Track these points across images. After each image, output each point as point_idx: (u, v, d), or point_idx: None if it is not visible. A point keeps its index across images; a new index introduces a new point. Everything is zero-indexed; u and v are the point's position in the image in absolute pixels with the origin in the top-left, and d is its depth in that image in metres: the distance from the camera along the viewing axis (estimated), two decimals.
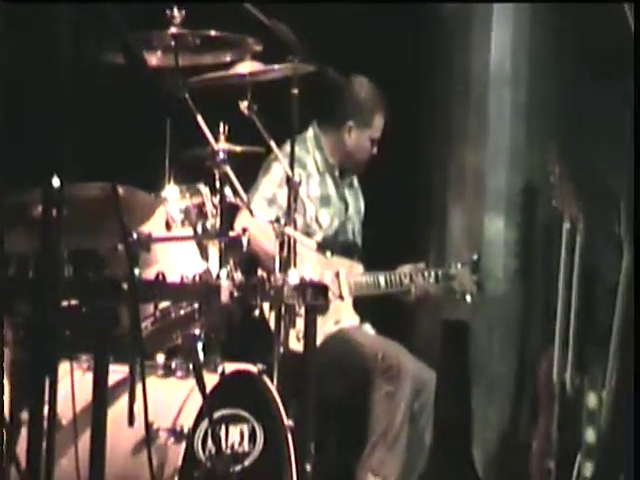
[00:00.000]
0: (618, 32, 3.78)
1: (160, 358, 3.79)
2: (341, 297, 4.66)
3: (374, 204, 5.05)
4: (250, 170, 4.46)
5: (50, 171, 3.44)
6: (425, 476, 4.73)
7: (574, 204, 4.86)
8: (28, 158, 3.61)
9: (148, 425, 3.41)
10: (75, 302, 3.50)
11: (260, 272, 3.83)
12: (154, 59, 3.91)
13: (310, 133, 4.83)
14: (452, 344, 5.15)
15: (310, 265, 4.13)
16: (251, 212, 3.85)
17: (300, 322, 3.99)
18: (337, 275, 4.67)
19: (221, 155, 3.77)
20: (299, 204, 4.06)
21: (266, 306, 4.12)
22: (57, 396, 3.23)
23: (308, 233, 4.59)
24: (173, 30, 3.79)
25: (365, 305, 4.80)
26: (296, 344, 4.12)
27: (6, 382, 3.64)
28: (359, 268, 4.79)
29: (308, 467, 3.83)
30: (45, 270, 3.55)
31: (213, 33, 3.82)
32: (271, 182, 4.63)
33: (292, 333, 4.06)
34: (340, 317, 4.70)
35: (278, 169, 4.52)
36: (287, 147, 4.15)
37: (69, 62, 3.27)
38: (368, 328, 4.82)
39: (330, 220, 4.81)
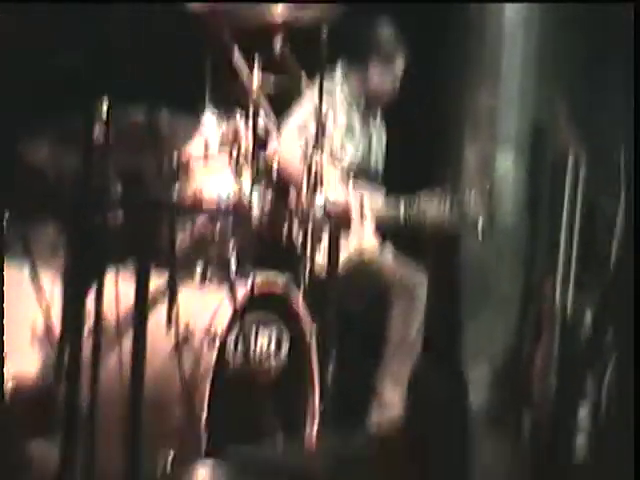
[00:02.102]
0: None
1: (197, 269, 3.74)
2: (363, 220, 4.54)
3: (396, 136, 4.92)
4: (281, 102, 4.35)
5: (99, 95, 3.40)
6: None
7: (578, 142, 4.77)
8: (78, 83, 3.56)
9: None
10: (121, 217, 3.47)
11: (289, 194, 3.77)
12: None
13: (338, 70, 4.69)
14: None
15: (335, 190, 4.07)
16: (281, 138, 3.79)
17: (325, 242, 3.94)
18: (361, 200, 4.56)
19: (256, 85, 3.71)
20: (327, 133, 3.99)
21: (294, 226, 4.04)
22: (103, 298, 3.20)
23: (335, 159, 4.51)
24: None
25: (385, 229, 4.70)
26: (321, 263, 4.04)
27: (59, 290, 3.62)
28: (380, 194, 4.67)
29: (329, 370, 3.79)
30: (94, 186, 3.53)
31: None
32: (301, 111, 4.46)
33: (317, 253, 3.99)
34: (362, 239, 4.57)
35: (308, 100, 4.40)
36: (317, 81, 4.05)
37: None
38: (388, 250, 4.70)
39: (354, 149, 4.69)
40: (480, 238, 4.68)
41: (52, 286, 3.58)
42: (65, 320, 3.62)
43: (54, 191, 3.62)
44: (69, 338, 3.54)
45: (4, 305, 3.33)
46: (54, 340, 3.56)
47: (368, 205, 4.57)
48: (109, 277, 3.36)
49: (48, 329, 3.56)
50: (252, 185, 3.61)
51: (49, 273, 3.59)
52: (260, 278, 3.68)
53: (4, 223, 3.51)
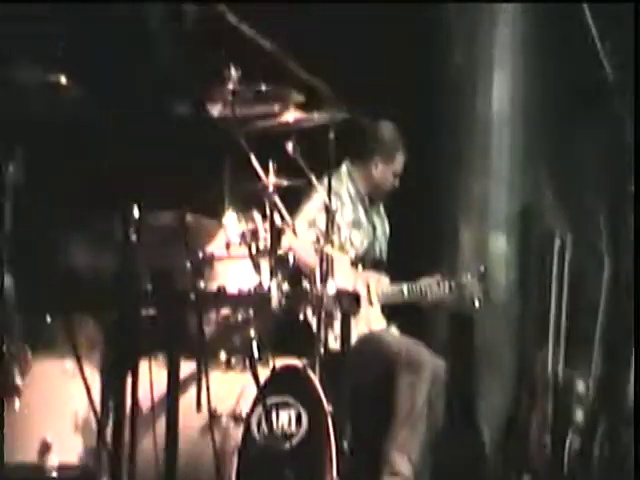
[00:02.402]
0: (597, 72, 3.80)
1: (222, 356, 3.84)
2: (371, 304, 4.69)
3: (397, 227, 5.08)
4: (293, 200, 4.49)
5: (131, 202, 3.54)
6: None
7: (563, 224, 4.89)
8: (111, 190, 3.70)
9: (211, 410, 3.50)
10: (153, 311, 3.59)
11: (304, 284, 3.89)
12: (215, 110, 3.94)
13: (344, 169, 4.88)
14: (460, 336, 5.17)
15: (345, 278, 4.18)
16: (295, 234, 3.91)
17: (337, 325, 4.05)
18: (368, 286, 4.70)
19: (271, 188, 3.84)
20: (335, 227, 4.11)
21: (309, 312, 4.15)
22: (138, 386, 3.31)
23: (342, 251, 4.64)
24: (231, 86, 3.83)
25: (391, 311, 4.83)
26: (334, 344, 4.15)
27: (98, 377, 3.73)
28: (386, 280, 4.81)
29: (346, 445, 3.87)
30: (129, 285, 3.65)
31: (264, 88, 3.86)
32: (311, 208, 4.66)
33: (331, 335, 4.11)
34: (370, 321, 4.72)
35: (318, 197, 4.53)
36: (325, 180, 4.19)
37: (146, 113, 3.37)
38: (394, 330, 4.84)
39: (361, 240, 4.84)
40: (476, 317, 4.81)
41: (91, 377, 3.69)
42: (104, 408, 3.74)
43: (91, 289, 3.75)
44: (110, 425, 3.67)
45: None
46: (95, 428, 3.66)
47: (374, 290, 4.71)
48: (143, 366, 3.49)
49: (89, 418, 3.65)
50: (270, 277, 3.70)
51: (88, 365, 3.69)
52: (280, 361, 3.77)
53: (47, 320, 3.64)
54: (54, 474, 3.53)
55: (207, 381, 3.55)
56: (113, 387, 3.73)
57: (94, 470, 3.60)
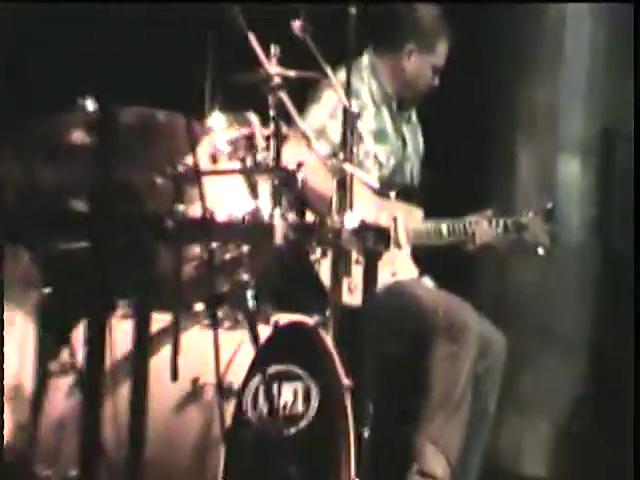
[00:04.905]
0: None
1: (198, 306, 3.85)
2: (398, 245, 4.70)
3: (435, 143, 5.10)
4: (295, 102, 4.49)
5: (84, 94, 3.51)
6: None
7: None
8: (60, 81, 3.68)
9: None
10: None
11: (316, 212, 3.90)
12: None
13: (365, 60, 4.89)
14: None
15: (364, 208, 4.18)
16: (310, 143, 3.91)
17: (355, 271, 4.07)
18: (394, 220, 4.71)
19: (274, 80, 3.84)
20: (355, 138, 4.10)
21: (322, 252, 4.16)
22: (103, 342, 3.29)
23: (363, 171, 4.63)
24: None
25: (426, 256, 4.85)
26: (347, 296, 4.17)
27: (33, 326, 3.73)
28: (418, 214, 4.81)
29: (366, 433, 3.90)
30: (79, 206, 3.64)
31: None
32: (321, 112, 4.68)
33: (349, 281, 4.12)
34: (396, 268, 4.74)
35: (330, 97, 4.58)
36: (341, 74, 4.17)
37: None
38: (427, 281, 4.88)
39: (386, 158, 4.83)
40: (540, 267, 4.83)
41: (25, 328, 3.70)
42: (40, 373, 3.75)
43: (27, 212, 3.73)
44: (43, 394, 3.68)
45: None
46: (26, 399, 3.67)
47: (403, 226, 4.72)
48: (99, 317, 3.47)
49: (19, 386, 3.66)
50: (273, 202, 3.70)
51: (22, 312, 3.70)
52: (282, 318, 3.78)
53: None
54: None
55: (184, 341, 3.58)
56: (53, 345, 3.77)
57: (26, 453, 3.63)
